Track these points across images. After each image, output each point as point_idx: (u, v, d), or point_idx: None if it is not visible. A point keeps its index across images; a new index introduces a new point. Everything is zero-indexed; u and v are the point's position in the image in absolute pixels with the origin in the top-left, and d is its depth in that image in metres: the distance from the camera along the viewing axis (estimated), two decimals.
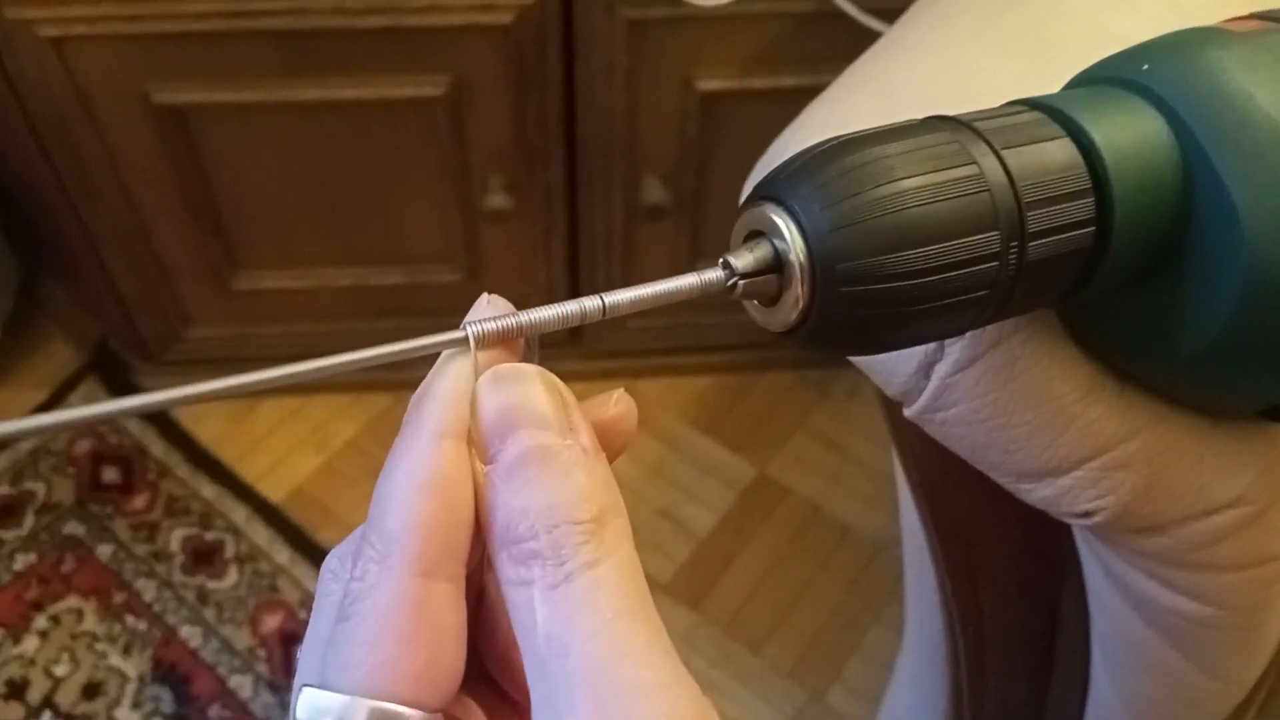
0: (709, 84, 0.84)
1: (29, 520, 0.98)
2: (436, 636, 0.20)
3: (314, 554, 0.97)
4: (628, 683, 0.18)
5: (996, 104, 0.26)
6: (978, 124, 0.23)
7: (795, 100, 0.91)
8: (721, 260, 0.23)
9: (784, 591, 0.97)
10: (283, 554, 0.97)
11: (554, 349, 1.03)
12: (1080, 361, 0.30)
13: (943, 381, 0.31)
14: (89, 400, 1.06)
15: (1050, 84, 0.28)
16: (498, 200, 0.90)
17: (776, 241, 0.22)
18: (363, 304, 1.01)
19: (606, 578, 0.19)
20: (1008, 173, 0.23)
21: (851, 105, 0.35)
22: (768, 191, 0.23)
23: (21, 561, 0.96)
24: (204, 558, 0.96)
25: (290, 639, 0.92)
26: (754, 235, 0.23)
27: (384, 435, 1.06)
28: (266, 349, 1.04)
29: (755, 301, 0.23)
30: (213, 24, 0.77)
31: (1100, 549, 0.34)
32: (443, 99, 0.83)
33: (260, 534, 0.98)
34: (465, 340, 0.22)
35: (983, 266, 0.22)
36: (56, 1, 0.75)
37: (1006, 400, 0.30)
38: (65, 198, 0.90)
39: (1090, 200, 0.24)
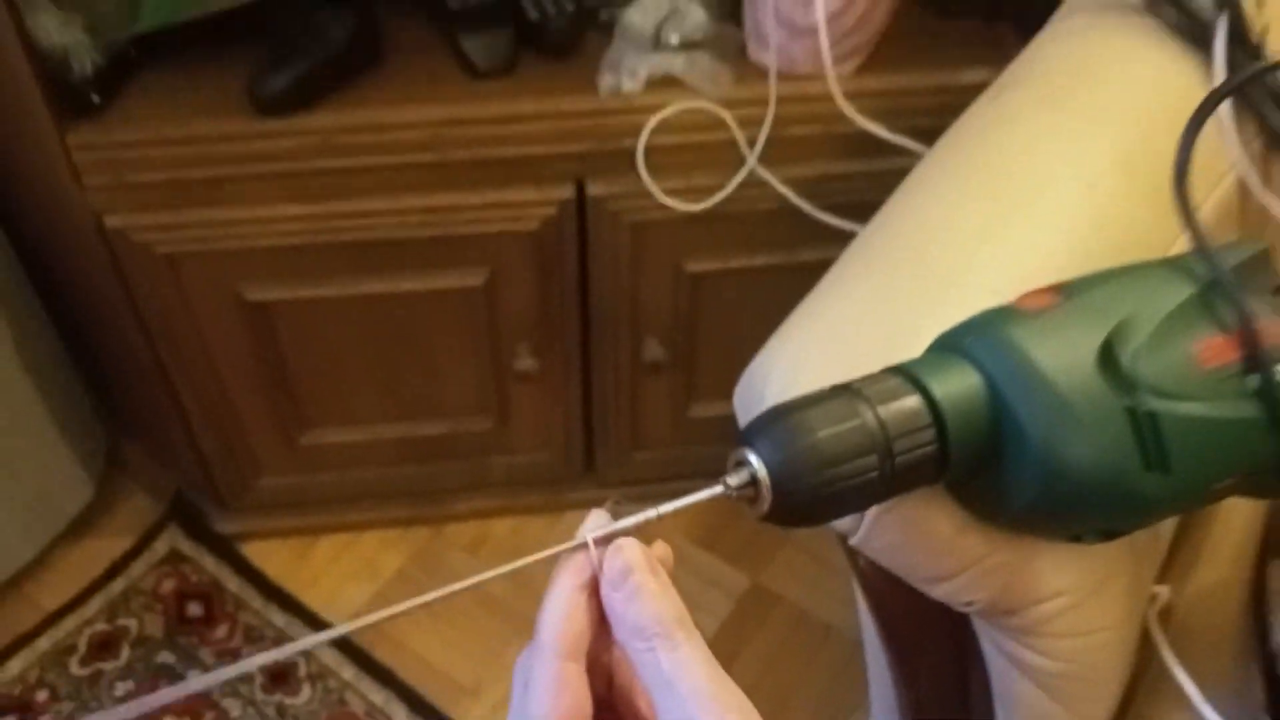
0: (696, 266, 1.02)
1: (125, 652, 1.13)
2: (575, 696, 0.35)
3: (374, 670, 1.11)
4: (719, 698, 0.33)
5: (896, 346, 0.43)
6: (863, 389, 0.40)
7: (765, 275, 1.14)
8: (723, 480, 0.39)
9: (779, 685, 1.12)
10: (348, 671, 1.11)
11: (573, 480, 1.20)
12: (955, 510, 0.46)
13: (870, 524, 0.47)
14: (172, 544, 1.21)
15: (929, 331, 0.45)
16: (525, 363, 1.08)
17: (753, 469, 0.38)
18: (409, 451, 1.18)
19: (695, 645, 0.34)
20: (879, 420, 0.39)
21: (800, 346, 0.52)
22: (745, 438, 0.39)
23: (121, 689, 1.10)
24: (280, 678, 1.10)
25: None
26: (740, 463, 0.39)
27: (428, 563, 1.21)
28: (327, 493, 1.20)
29: (745, 500, 0.40)
30: (298, 239, 0.95)
31: (985, 627, 0.50)
32: (481, 287, 1.01)
33: (328, 655, 1.12)
34: (584, 545, 0.37)
35: (869, 475, 0.39)
36: (173, 226, 0.93)
37: (910, 535, 0.47)
38: (163, 376, 1.06)
39: (933, 431, 0.40)
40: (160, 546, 1.21)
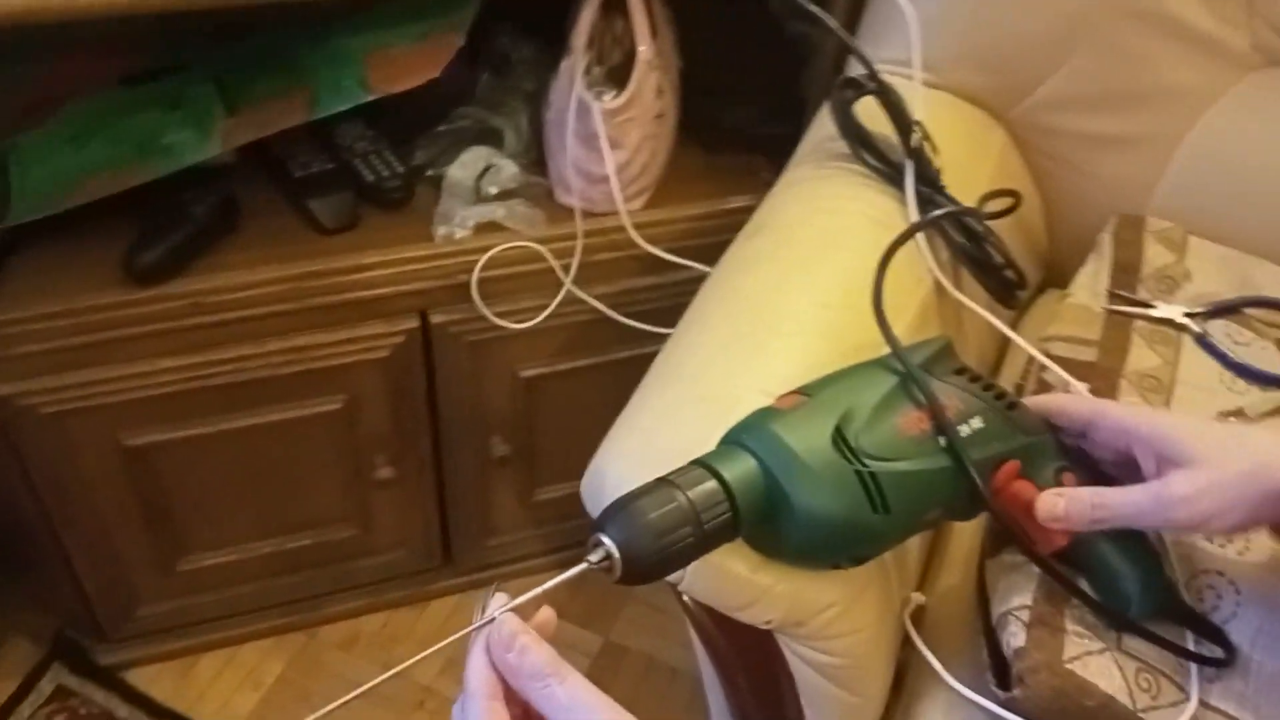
0: (528, 372, 1.18)
1: None
2: None
3: None
4: (608, 709, 0.46)
5: (695, 443, 0.59)
6: (676, 479, 0.55)
7: (587, 373, 1.32)
8: (586, 559, 0.53)
9: None
10: None
11: (434, 572, 1.31)
12: (749, 554, 0.62)
13: (691, 575, 0.63)
14: (57, 681, 1.26)
15: (718, 428, 0.61)
16: (384, 472, 1.20)
17: (606, 548, 0.53)
18: (281, 564, 1.27)
19: (577, 676, 0.47)
20: (690, 501, 0.54)
21: (626, 449, 0.67)
22: (597, 525, 0.54)
23: None
24: None
25: None
26: (596, 545, 0.54)
27: (307, 667, 1.30)
28: (205, 612, 1.28)
29: (603, 571, 0.54)
30: (172, 388, 1.05)
31: (783, 637, 0.67)
32: (341, 410, 1.13)
33: None
34: (494, 619, 0.51)
35: (687, 541, 0.54)
36: (57, 388, 1.02)
37: (719, 578, 0.62)
38: (47, 524, 1.12)
39: (727, 504, 0.55)
40: (45, 686, 1.25)
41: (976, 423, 0.63)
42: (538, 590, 0.51)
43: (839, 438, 0.59)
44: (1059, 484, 0.65)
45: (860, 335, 0.73)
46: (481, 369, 1.15)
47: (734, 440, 0.59)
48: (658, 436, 0.68)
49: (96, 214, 1.00)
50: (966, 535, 0.87)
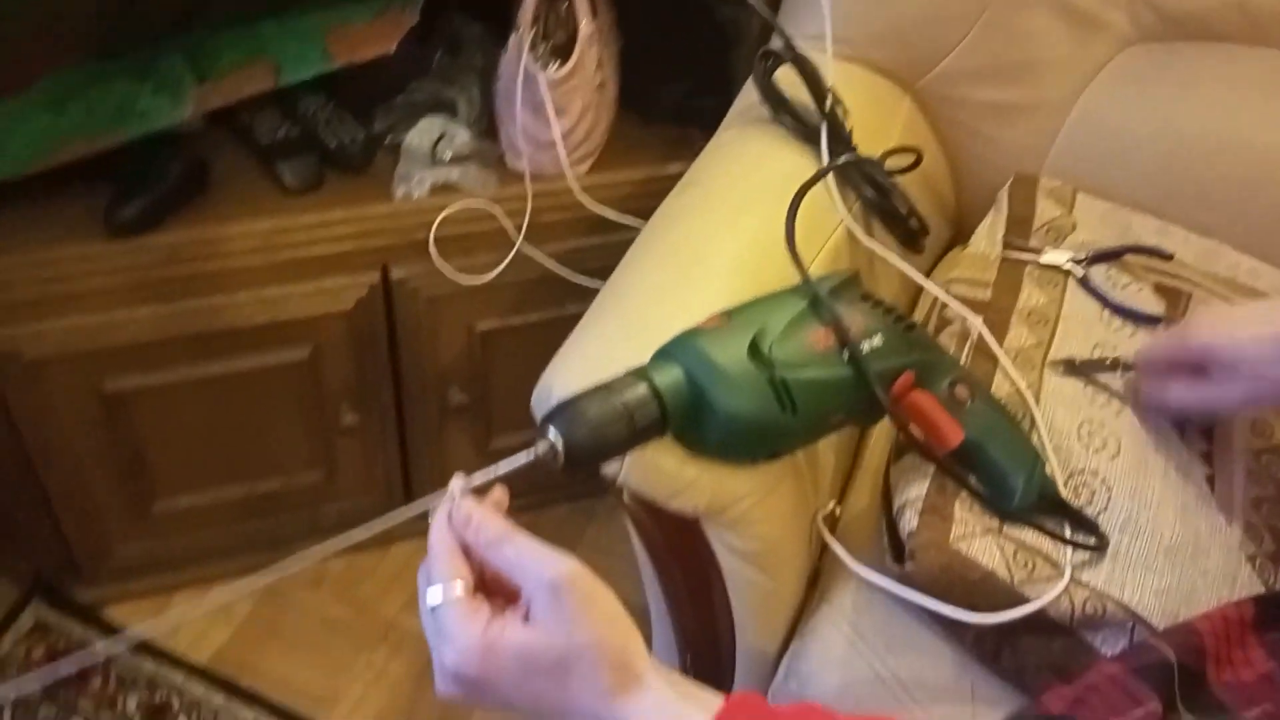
0: (484, 326, 1.24)
1: (6, 715, 1.21)
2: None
3: (240, 694, 1.25)
4: (550, 553, 0.53)
5: (630, 357, 0.66)
6: (613, 384, 0.63)
7: (539, 328, 1.40)
8: (533, 449, 0.60)
9: None
10: (218, 698, 1.24)
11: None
12: (676, 450, 0.69)
13: (627, 467, 0.70)
14: (36, 617, 1.31)
15: (651, 346, 0.69)
16: (348, 419, 1.26)
17: (550, 440, 0.60)
18: (250, 508, 1.32)
19: (524, 534, 0.54)
20: (624, 402, 0.62)
21: (570, 364, 0.75)
22: (546, 418, 0.61)
23: None
24: (158, 713, 1.23)
25: None
26: (543, 435, 0.61)
27: (276, 605, 1.36)
28: (178, 553, 1.33)
29: (548, 459, 0.62)
30: (149, 335, 1.10)
31: (711, 527, 0.74)
32: (306, 360, 1.19)
33: (197, 689, 1.25)
34: (447, 494, 0.58)
35: (621, 435, 0.61)
36: (39, 335, 1.07)
37: (650, 470, 0.69)
38: (26, 468, 1.17)
39: (656, 405, 0.62)
40: (25, 622, 1.30)
41: (877, 340, 0.71)
42: (491, 470, 0.58)
43: (754, 349, 0.66)
44: (953, 395, 0.74)
45: (777, 274, 0.81)
46: (439, 322, 1.22)
47: (665, 354, 0.67)
48: (597, 357, 0.75)
49: (75, 175, 1.05)
50: (877, 456, 0.95)
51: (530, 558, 0.52)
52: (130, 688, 1.25)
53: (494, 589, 0.54)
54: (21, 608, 1.31)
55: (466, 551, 0.54)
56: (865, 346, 0.70)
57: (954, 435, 0.73)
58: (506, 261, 1.16)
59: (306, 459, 1.30)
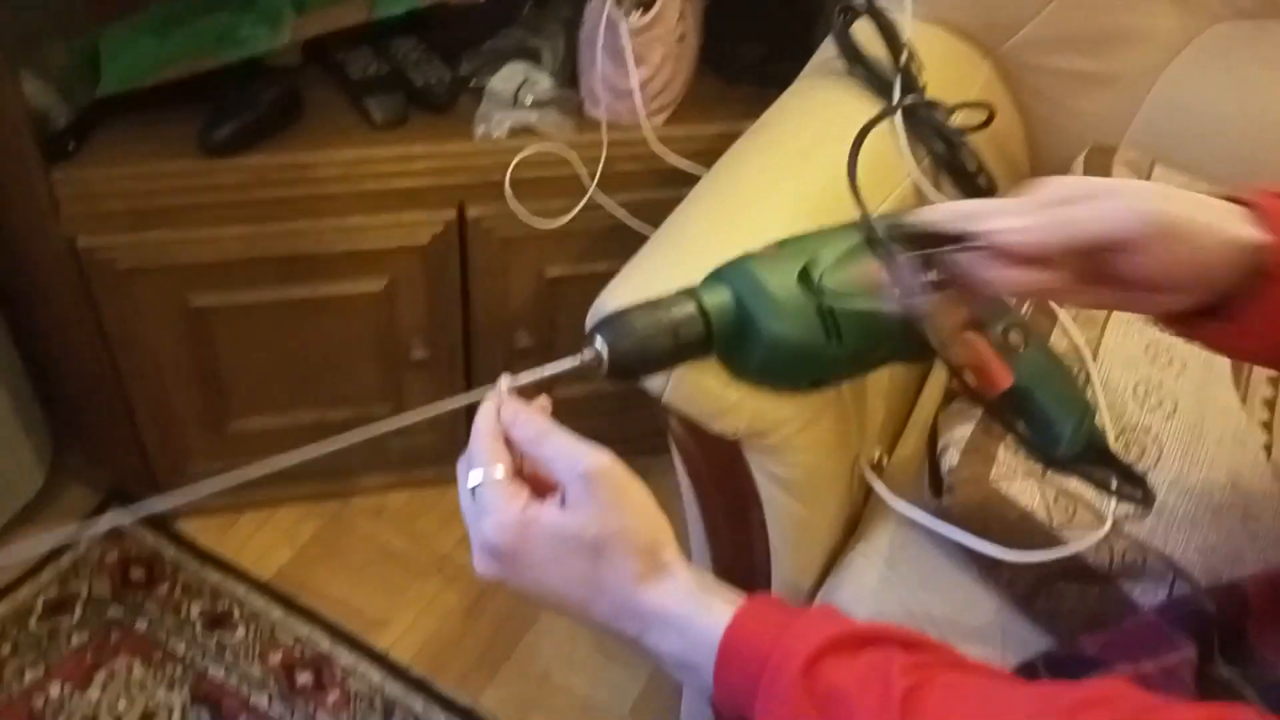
0: (553, 271, 1.26)
1: (78, 611, 1.27)
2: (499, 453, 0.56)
3: (298, 610, 1.29)
4: (584, 445, 0.54)
5: (684, 278, 0.67)
6: (662, 302, 0.63)
7: (606, 278, 1.39)
8: (579, 355, 0.61)
9: None
10: (276, 612, 1.28)
11: (455, 456, 1.40)
12: (721, 372, 0.70)
13: (672, 385, 0.71)
14: (116, 521, 1.36)
15: (704, 269, 0.69)
16: (419, 354, 1.29)
17: (596, 348, 0.61)
18: (319, 435, 1.34)
19: (563, 431, 0.55)
20: (671, 318, 0.62)
21: (626, 284, 0.76)
22: (594, 328, 0.62)
23: (76, 639, 1.24)
24: (219, 621, 1.27)
25: (290, 667, 1.23)
26: (590, 343, 0.62)
27: (337, 531, 1.40)
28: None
29: (593, 366, 0.62)
30: (236, 254, 1.14)
31: (751, 453, 0.75)
32: (382, 292, 1.22)
33: (258, 602, 1.29)
34: (496, 388, 0.59)
35: (666, 349, 0.62)
36: (133, 246, 1.11)
37: (695, 390, 0.70)
38: (115, 378, 1.23)
39: (702, 323, 0.63)
40: (101, 526, 1.36)
41: (932, 277, 0.70)
42: (537, 371, 0.59)
43: (804, 276, 0.66)
44: (1006, 340, 0.73)
45: (838, 214, 0.81)
46: (510, 265, 1.24)
47: (716, 276, 0.67)
48: (651, 280, 0.76)
49: (177, 97, 1.09)
50: (927, 410, 0.95)
51: (567, 449, 0.53)
52: (195, 596, 1.30)
53: (533, 485, 0.55)
54: (100, 513, 1.37)
55: (509, 446, 0.55)
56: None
57: (1003, 379, 0.72)
58: (579, 208, 1.18)
59: (376, 391, 1.33)
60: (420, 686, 1.24)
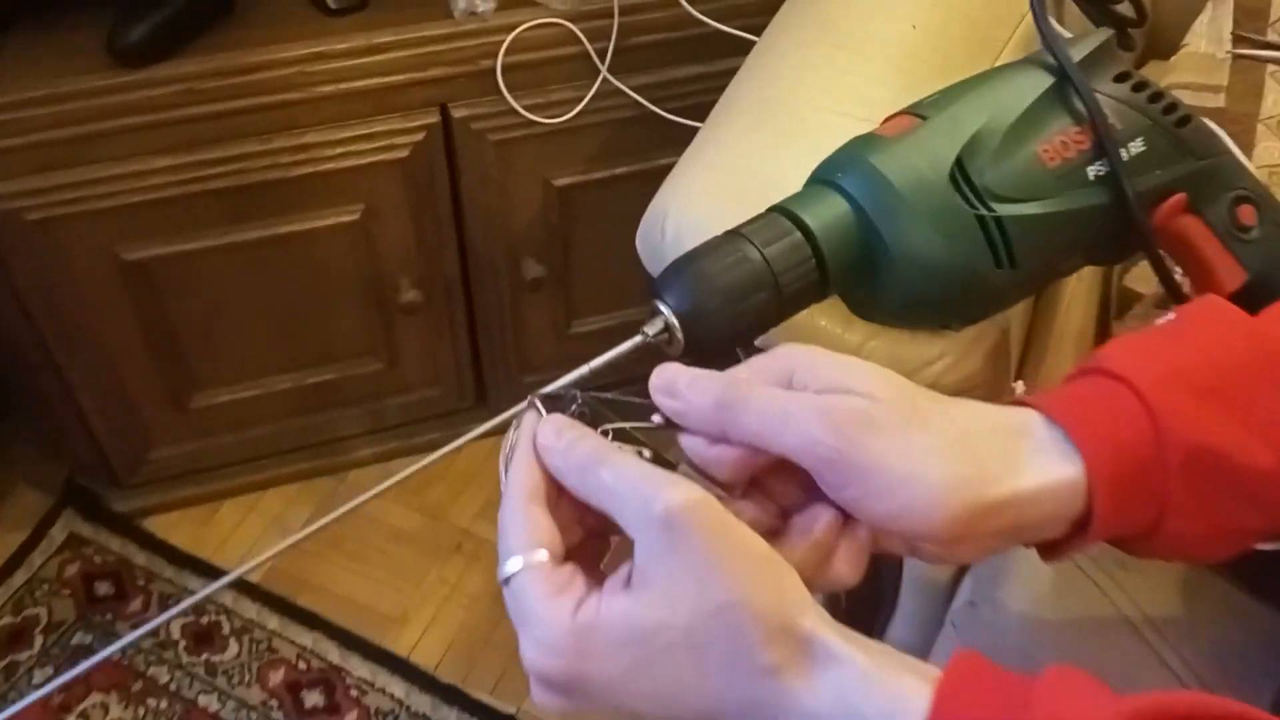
0: (562, 179, 1.08)
1: (38, 640, 1.11)
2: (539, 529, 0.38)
3: (297, 615, 1.14)
4: (653, 476, 0.37)
5: (774, 183, 0.48)
6: (749, 234, 0.44)
7: (627, 183, 1.20)
8: (641, 330, 0.42)
9: None
10: (272, 620, 1.13)
11: (467, 413, 1.24)
12: (840, 309, 0.52)
13: (773, 335, 0.53)
14: (69, 529, 1.20)
15: (801, 166, 0.51)
16: (409, 295, 1.11)
17: (665, 318, 0.42)
18: (302, 402, 1.19)
19: (621, 455, 0.36)
20: (766, 259, 0.43)
21: (689, 191, 0.58)
22: (655, 292, 0.43)
23: (39, 676, 1.09)
24: (204, 638, 1.12)
25: (295, 687, 1.09)
26: (655, 313, 0.43)
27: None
28: (224, 456, 1.21)
29: (662, 344, 0.44)
30: (170, 190, 0.96)
31: None
32: (358, 223, 1.04)
33: (249, 609, 1.14)
34: (533, 407, 0.40)
35: (763, 308, 0.43)
36: (42, 190, 0.93)
37: (799, 334, 0.53)
38: (44, 354, 1.05)
39: (813, 261, 0.44)
40: (57, 534, 1.20)
41: (1138, 145, 0.51)
42: (583, 369, 0.41)
43: (959, 174, 0.48)
44: (1234, 218, 0.55)
45: (956, 61, 0.63)
46: (510, 175, 1.06)
47: (823, 179, 0.49)
48: (729, 174, 0.58)
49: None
50: (1076, 319, 0.77)
51: (632, 483, 0.36)
52: None
53: (588, 548, 0.40)
54: (53, 520, 1.21)
55: (557, 496, 0.39)
56: (1123, 156, 0.50)
57: (1232, 277, 0.54)
58: (590, 96, 1.00)
59: (363, 345, 1.16)
60: (452, 696, 1.10)
